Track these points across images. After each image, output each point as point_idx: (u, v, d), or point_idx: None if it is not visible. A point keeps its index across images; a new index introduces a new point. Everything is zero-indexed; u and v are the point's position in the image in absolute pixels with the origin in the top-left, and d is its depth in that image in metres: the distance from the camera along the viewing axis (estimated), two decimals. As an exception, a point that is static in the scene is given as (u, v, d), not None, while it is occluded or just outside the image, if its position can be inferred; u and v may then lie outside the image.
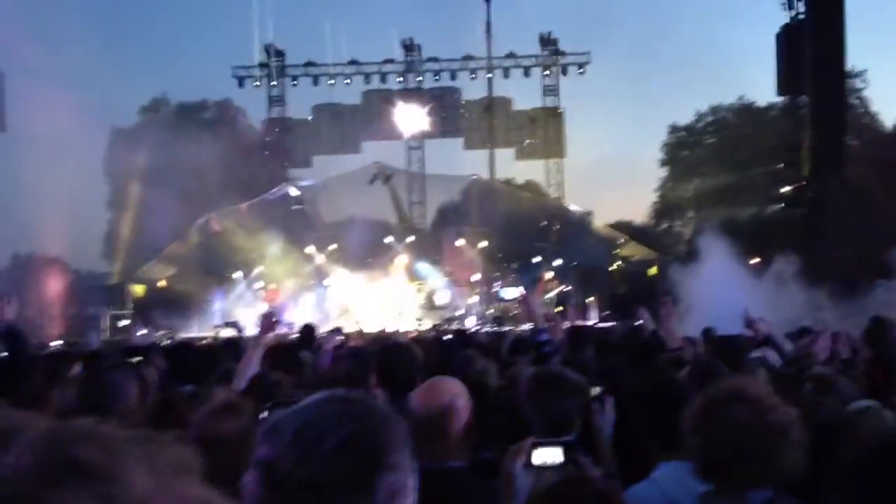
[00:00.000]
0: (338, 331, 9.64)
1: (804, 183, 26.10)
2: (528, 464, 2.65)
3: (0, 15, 25.57)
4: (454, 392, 2.82)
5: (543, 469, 2.59)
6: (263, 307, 24.38)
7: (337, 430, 1.24)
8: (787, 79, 26.57)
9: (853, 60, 27.19)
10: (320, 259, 27.60)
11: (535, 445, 2.68)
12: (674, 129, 38.85)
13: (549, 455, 2.61)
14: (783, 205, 27.96)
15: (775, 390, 3.72)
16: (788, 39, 26.09)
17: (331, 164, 34.49)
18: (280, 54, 34.22)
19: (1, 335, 4.88)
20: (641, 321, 7.10)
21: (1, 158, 29.44)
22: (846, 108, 26.99)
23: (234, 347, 7.41)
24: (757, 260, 28.15)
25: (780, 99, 31.37)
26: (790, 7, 26.27)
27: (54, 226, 26.63)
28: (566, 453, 2.61)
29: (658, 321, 6.82)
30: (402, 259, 27.62)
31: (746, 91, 36.95)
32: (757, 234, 27.44)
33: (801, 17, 25.91)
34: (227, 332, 13.25)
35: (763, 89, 37.50)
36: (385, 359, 4.05)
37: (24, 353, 4.97)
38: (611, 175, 49.57)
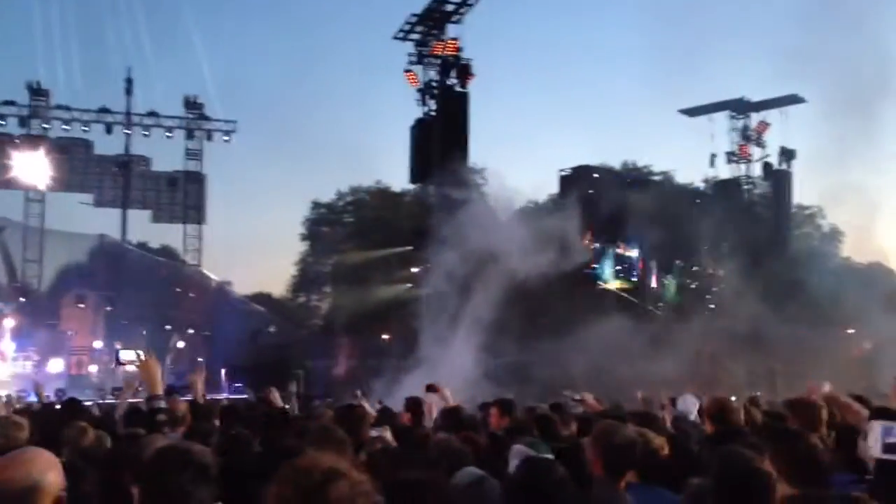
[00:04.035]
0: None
1: (429, 266, 28.23)
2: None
3: None
4: (42, 466, 2.43)
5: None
6: None
7: None
8: (419, 168, 28.85)
9: (475, 158, 30.26)
10: None
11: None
12: (316, 206, 39.95)
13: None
14: (410, 285, 29.89)
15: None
16: (420, 132, 28.45)
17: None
18: None
19: None
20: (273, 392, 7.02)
21: None
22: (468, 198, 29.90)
23: None
24: (386, 336, 29.75)
25: (413, 186, 33.93)
26: (423, 103, 28.73)
27: None
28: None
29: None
30: (9, 322, 24.54)
31: (384, 176, 39.42)
32: (386, 312, 28.94)
33: (433, 113, 28.47)
34: None
35: (399, 176, 40.41)
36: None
37: None
38: (252, 245, 49.55)
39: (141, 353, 5.19)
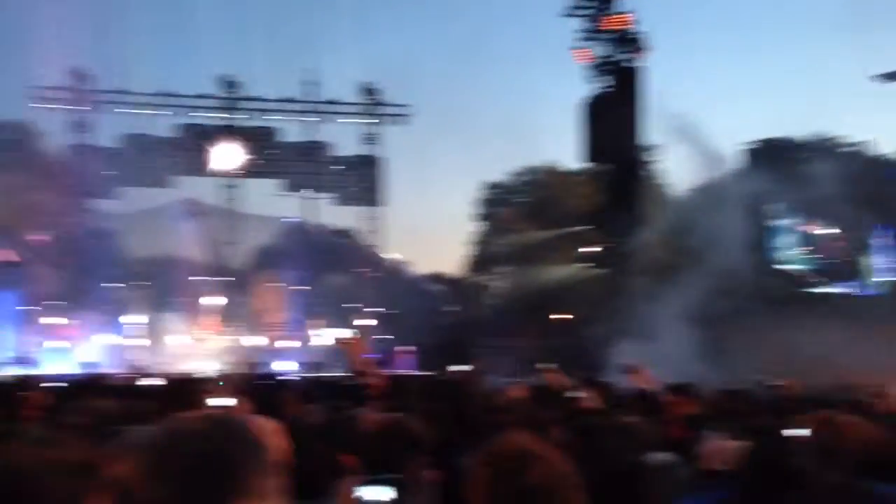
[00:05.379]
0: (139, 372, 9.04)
1: (604, 246, 27.86)
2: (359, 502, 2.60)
3: None
4: (269, 430, 2.68)
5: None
6: (64, 344, 22.75)
7: (185, 449, 1.16)
8: (590, 147, 28.43)
9: (650, 135, 29.47)
10: (124, 295, 26.04)
11: (364, 483, 2.64)
12: (490, 186, 40.29)
13: (375, 492, 2.60)
14: (585, 265, 29.61)
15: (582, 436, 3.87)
16: (592, 110, 27.96)
17: (139, 197, 32.81)
18: (87, 79, 32.33)
19: None
20: (464, 369, 7.22)
21: None
22: (639, 179, 29.15)
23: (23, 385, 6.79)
24: (564, 316, 29.67)
25: (585, 165, 33.49)
26: (594, 80, 28.19)
27: None
28: (392, 491, 2.60)
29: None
30: (212, 300, 26.61)
31: (558, 154, 39.13)
32: (562, 292, 28.86)
33: (605, 90, 27.90)
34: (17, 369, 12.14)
35: (573, 154, 39.88)
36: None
37: None
38: (428, 226, 50.66)
39: (351, 332, 5.50)
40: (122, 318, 25.28)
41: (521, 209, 38.45)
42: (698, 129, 23.62)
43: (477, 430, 4.73)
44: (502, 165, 40.20)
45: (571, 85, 34.44)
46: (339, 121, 33.85)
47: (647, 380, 6.72)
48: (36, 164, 31.87)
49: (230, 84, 32.92)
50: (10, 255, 26.66)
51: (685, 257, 19.18)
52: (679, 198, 30.33)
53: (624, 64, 27.18)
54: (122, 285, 26.38)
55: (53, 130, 34.23)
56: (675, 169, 38.87)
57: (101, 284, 26.22)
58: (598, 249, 28.71)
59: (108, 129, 33.31)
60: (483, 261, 39.73)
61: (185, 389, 4.61)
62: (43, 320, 24.74)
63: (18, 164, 29.67)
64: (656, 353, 16.29)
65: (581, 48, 28.05)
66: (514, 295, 32.12)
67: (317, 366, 22.15)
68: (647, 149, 29.35)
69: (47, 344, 22.59)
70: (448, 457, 3.63)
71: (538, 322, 28.66)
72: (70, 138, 32.89)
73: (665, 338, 18.05)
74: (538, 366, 9.61)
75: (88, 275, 26.48)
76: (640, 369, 6.91)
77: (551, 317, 29.38)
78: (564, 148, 43.06)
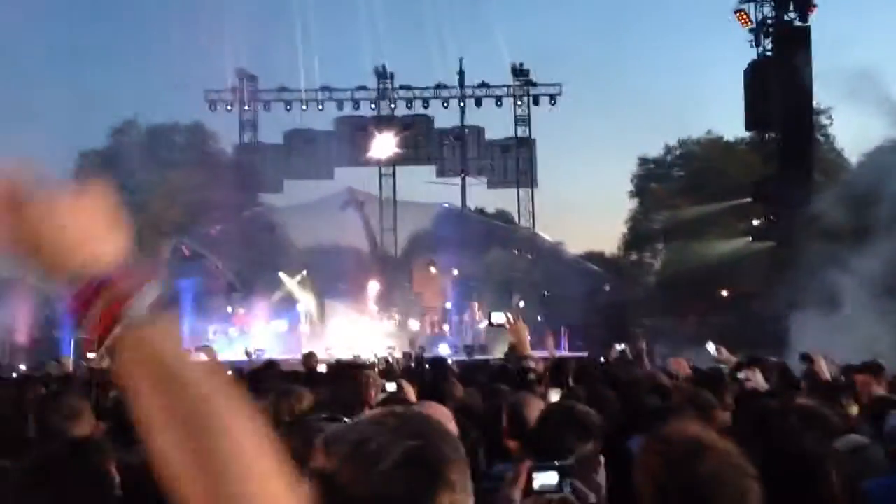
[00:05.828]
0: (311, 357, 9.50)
1: (772, 217, 26.51)
2: (529, 488, 2.61)
3: None
4: (443, 417, 2.78)
5: (542, 493, 2.57)
6: (235, 331, 24.21)
7: (396, 445, 1.19)
8: (755, 114, 27.06)
9: (819, 98, 27.73)
10: (291, 284, 27.40)
11: (533, 469, 2.64)
12: (643, 161, 39.30)
13: (546, 479, 2.60)
14: (751, 239, 28.33)
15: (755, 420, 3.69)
16: (756, 75, 26.60)
17: (302, 189, 34.42)
18: (253, 79, 34.17)
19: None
20: (620, 350, 7.10)
21: None
22: (813, 144, 27.51)
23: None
24: (726, 293, 28.55)
25: (748, 134, 31.95)
26: (757, 43, 26.81)
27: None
28: (561, 478, 2.59)
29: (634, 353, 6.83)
30: (373, 286, 27.50)
31: (715, 125, 37.65)
32: (726, 267, 27.76)
33: (769, 53, 26.46)
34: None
35: (731, 124, 38.23)
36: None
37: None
38: (581, 205, 50.07)
39: (510, 315, 5.52)
40: (289, 306, 26.58)
41: (677, 183, 37.27)
42: (877, 85, 21.87)
43: (641, 413, 4.65)
44: (660, 139, 39.13)
45: (732, 51, 32.85)
46: (493, 103, 33.94)
47: (822, 368, 6.32)
48: (209, 163, 34.07)
49: (384, 75, 33.74)
50: (188, 249, 28.69)
51: (870, 222, 17.85)
52: (860, 160, 28.31)
53: (789, 24, 25.64)
54: (288, 274, 27.71)
55: (224, 130, 36.51)
56: (852, 130, 36.41)
57: (270, 273, 27.70)
58: (765, 221, 27.38)
59: (273, 126, 35.14)
60: (639, 238, 38.87)
61: (353, 375, 4.78)
62: (217, 309, 26.45)
63: (194, 163, 31.83)
64: (841, 325, 15.33)
65: (742, 10, 26.73)
66: (674, 272, 31.19)
67: (475, 349, 22.47)
68: (819, 112, 27.63)
69: (217, 331, 24.04)
70: (614, 442, 3.58)
71: (702, 299, 27.72)
72: (239, 136, 34.97)
73: (850, 308, 16.92)
74: (708, 345, 9.27)
75: (258, 265, 28.04)
76: (816, 357, 6.51)
77: (721, 293, 28.32)
78: (722, 118, 41.37)
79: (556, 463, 2.68)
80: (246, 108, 34.26)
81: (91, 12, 61.48)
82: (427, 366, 8.72)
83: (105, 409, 4.88)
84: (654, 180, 39.10)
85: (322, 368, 9.00)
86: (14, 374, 13.84)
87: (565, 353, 20.14)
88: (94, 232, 1.02)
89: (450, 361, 9.54)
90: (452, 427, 2.73)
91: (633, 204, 39.58)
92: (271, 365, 8.44)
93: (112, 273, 0.99)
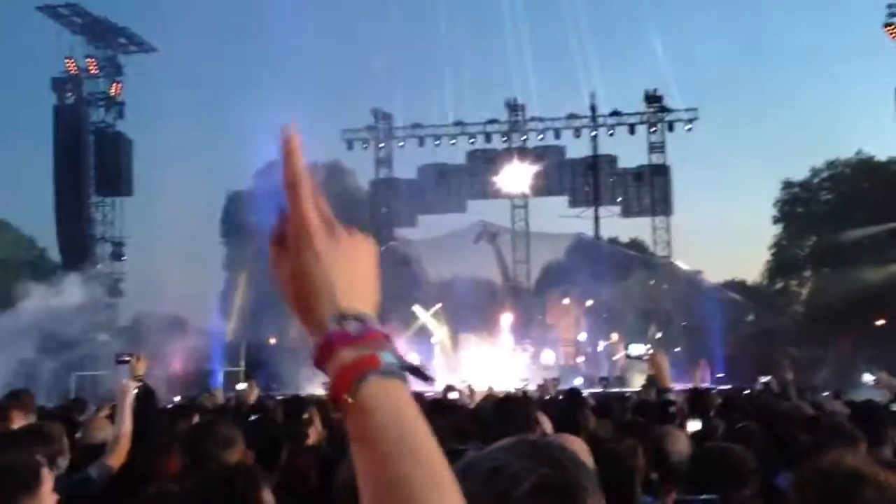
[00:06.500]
0: (450, 388, 9.60)
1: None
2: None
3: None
4: (578, 449, 2.75)
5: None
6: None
7: (532, 473, 1.19)
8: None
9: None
10: (425, 317, 27.80)
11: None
12: (787, 185, 37.57)
13: None
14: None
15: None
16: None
17: (436, 223, 35.03)
18: (387, 117, 35.22)
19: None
20: (765, 382, 6.80)
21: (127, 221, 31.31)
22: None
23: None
24: (882, 322, 26.77)
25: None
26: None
27: (174, 285, 27.75)
28: None
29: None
30: (507, 318, 27.51)
31: (865, 145, 35.63)
32: (881, 294, 26.08)
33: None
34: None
35: (883, 143, 36.08)
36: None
37: (154, 408, 5.13)
38: (720, 233, 48.34)
39: (646, 346, 5.42)
40: (424, 339, 26.93)
41: (825, 207, 35.42)
42: None
43: (792, 448, 4.43)
44: (804, 162, 37.41)
45: (881, 66, 31.13)
46: (626, 131, 33.49)
47: None
48: (346, 199, 35.23)
49: (516, 107, 33.99)
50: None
51: None
52: None
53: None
54: (422, 308, 28.11)
55: (360, 167, 37.73)
56: None
57: (405, 307, 28.19)
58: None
59: (407, 161, 36.03)
60: (785, 265, 37.08)
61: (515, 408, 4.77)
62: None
63: (332, 200, 32.91)
64: None
65: (893, 24, 25.33)
66: (824, 300, 29.53)
67: (610, 381, 22.03)
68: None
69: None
70: (764, 477, 3.44)
71: (855, 329, 26.08)
72: (375, 172, 36.07)
73: None
74: (864, 376, 8.73)
75: (393, 298, 28.62)
76: None
77: (876, 322, 26.56)
78: (872, 137, 39.13)
79: (702, 497, 2.62)
80: (381, 145, 35.31)
81: (234, 55, 65.26)
82: (562, 397, 8.64)
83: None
84: (799, 204, 37.32)
85: (458, 399, 9.07)
86: (168, 405, 14.64)
87: (709, 385, 19.42)
88: (366, 282, 1.04)
89: (585, 393, 9.40)
90: (588, 459, 2.72)
91: (776, 230, 37.90)
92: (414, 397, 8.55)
93: (373, 326, 1.01)
